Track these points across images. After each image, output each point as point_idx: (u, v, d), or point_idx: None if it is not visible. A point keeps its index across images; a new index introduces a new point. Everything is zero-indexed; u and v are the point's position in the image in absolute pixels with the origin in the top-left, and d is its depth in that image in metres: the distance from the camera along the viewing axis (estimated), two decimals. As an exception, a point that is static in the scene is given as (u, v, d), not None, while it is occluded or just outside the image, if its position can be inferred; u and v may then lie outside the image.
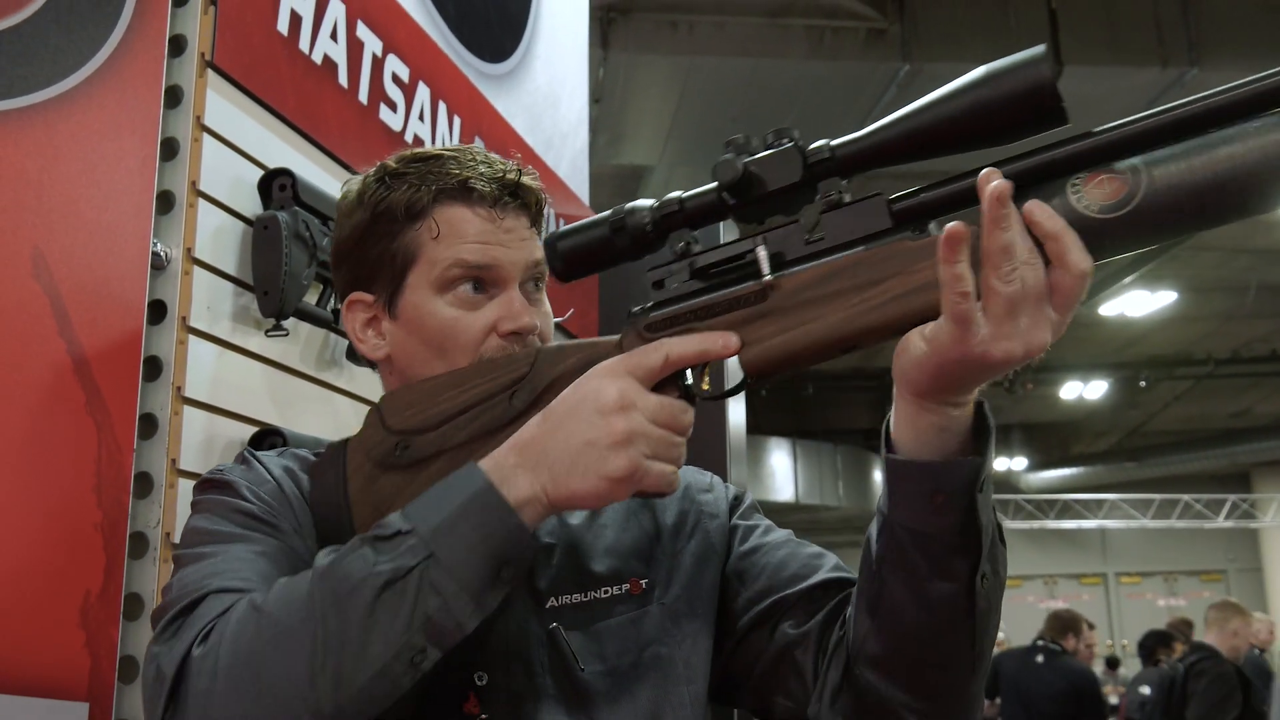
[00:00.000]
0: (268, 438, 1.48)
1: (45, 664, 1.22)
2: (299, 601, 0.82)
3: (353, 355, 1.69)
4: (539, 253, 1.08)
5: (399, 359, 1.07)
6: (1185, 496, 13.88)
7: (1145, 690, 5.30)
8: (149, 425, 1.36)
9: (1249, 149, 0.75)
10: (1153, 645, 6.20)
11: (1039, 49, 0.80)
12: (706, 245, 0.94)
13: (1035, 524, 14.24)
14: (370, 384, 1.77)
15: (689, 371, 0.91)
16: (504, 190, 1.06)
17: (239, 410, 1.48)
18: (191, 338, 1.41)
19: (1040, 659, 6.02)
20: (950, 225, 0.77)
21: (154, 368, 1.38)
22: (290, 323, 1.54)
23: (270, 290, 1.47)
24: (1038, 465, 19.00)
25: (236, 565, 0.91)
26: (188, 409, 1.39)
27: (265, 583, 0.88)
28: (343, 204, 1.11)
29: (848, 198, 0.87)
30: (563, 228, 0.98)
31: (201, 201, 1.44)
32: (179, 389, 1.38)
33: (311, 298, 1.59)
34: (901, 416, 0.87)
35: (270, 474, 1.02)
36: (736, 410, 2.91)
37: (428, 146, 1.09)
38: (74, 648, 1.25)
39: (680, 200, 0.93)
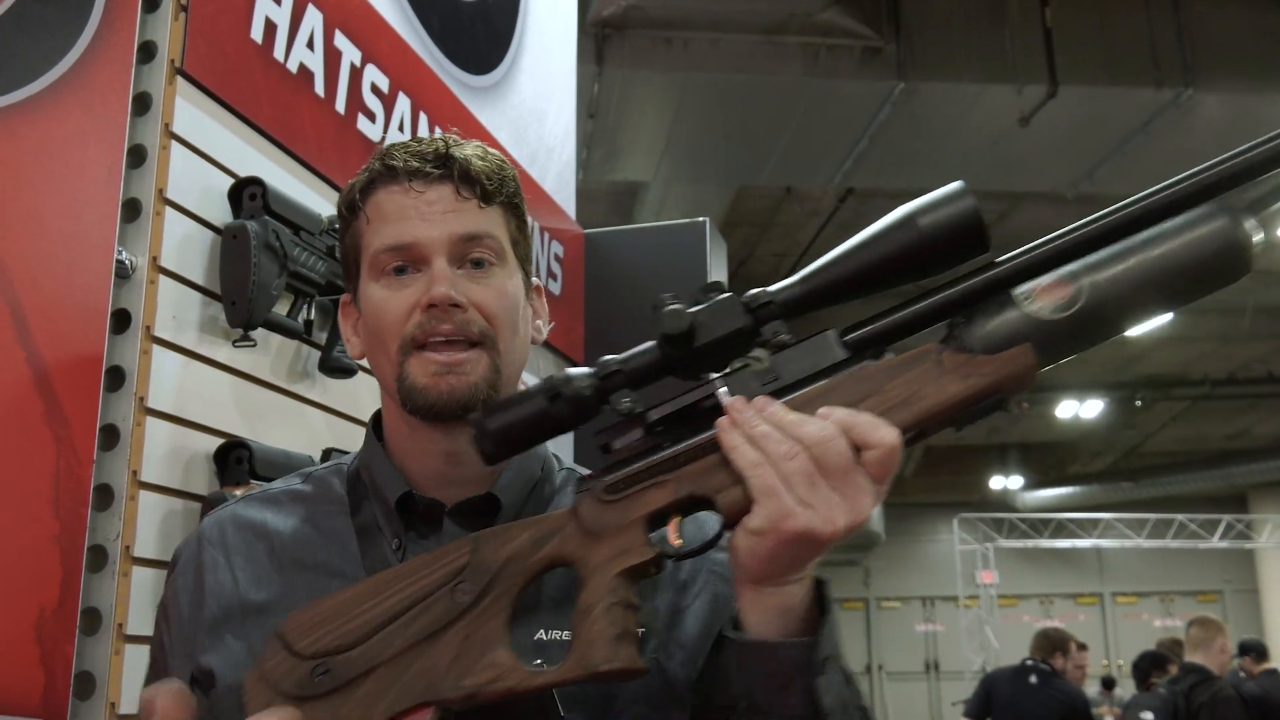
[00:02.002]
0: (234, 450, 1.45)
1: (6, 685, 1.20)
2: None
3: (325, 366, 1.67)
4: (473, 225, 1.00)
5: (367, 356, 1.05)
6: (1180, 516, 13.85)
7: (1148, 716, 5.26)
8: (110, 436, 1.34)
9: (1177, 243, 0.80)
10: (1147, 668, 6.18)
11: (958, 185, 0.83)
12: (652, 402, 0.89)
13: (1030, 543, 14.21)
14: (344, 396, 1.75)
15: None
16: (424, 162, 1.00)
17: (205, 422, 1.46)
18: (156, 347, 1.39)
19: (1034, 679, 5.99)
20: (720, 420, 0.83)
21: (116, 378, 1.36)
22: (260, 334, 1.52)
23: (238, 300, 1.45)
24: (1034, 484, 18.99)
25: None
26: (151, 420, 1.37)
27: None
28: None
29: (792, 338, 0.86)
30: (491, 405, 0.92)
31: (169, 210, 1.42)
32: (142, 399, 1.36)
33: (283, 309, 1.57)
34: (744, 602, 0.85)
35: (190, 553, 1.04)
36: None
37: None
38: (29, 663, 1.23)
39: (622, 362, 0.88)
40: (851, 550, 18.11)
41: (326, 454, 1.64)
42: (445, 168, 1.00)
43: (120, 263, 1.36)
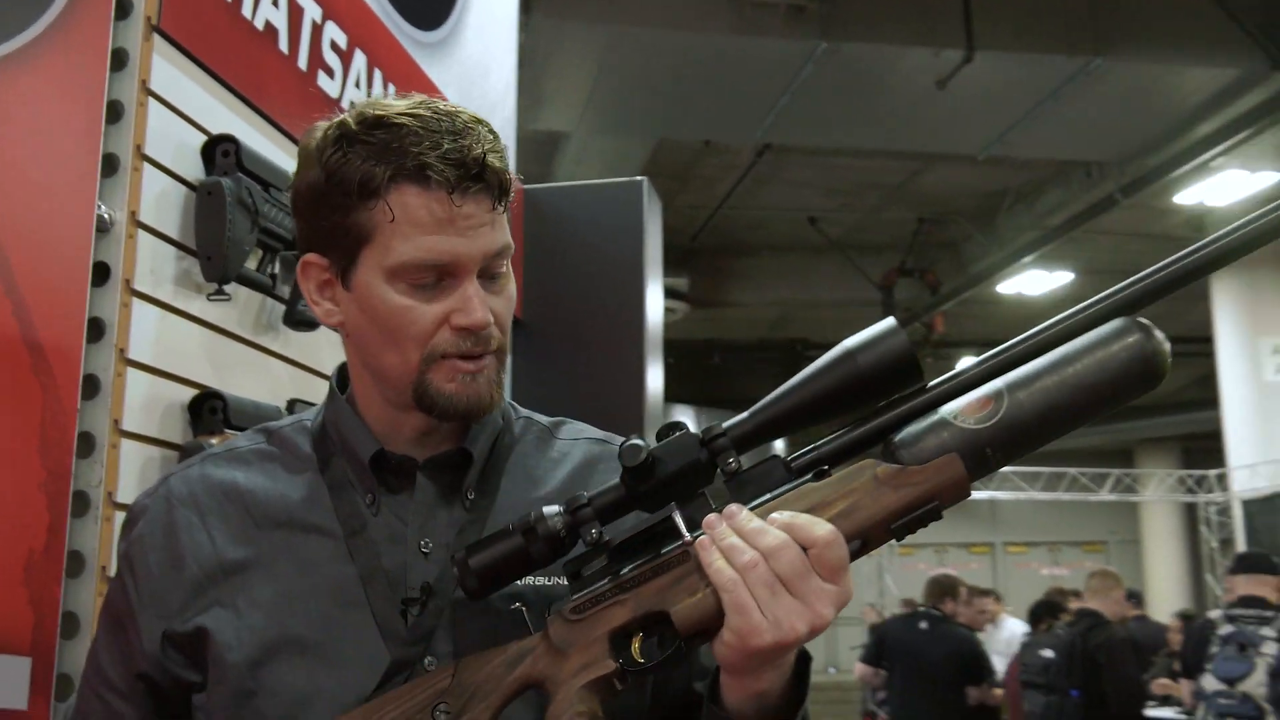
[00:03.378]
0: (208, 400, 1.50)
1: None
2: None
3: (289, 320, 1.72)
4: (500, 240, 1.01)
5: (353, 332, 1.04)
6: (1072, 470, 14.39)
7: (1047, 654, 5.56)
8: (92, 386, 1.38)
9: (1095, 359, 0.89)
10: (1043, 612, 6.54)
11: (890, 321, 0.93)
12: (616, 532, 0.95)
13: (929, 494, 14.64)
14: (306, 348, 1.80)
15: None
16: (465, 174, 0.97)
17: (180, 373, 1.50)
18: (135, 300, 1.43)
19: (924, 625, 6.27)
20: (699, 538, 0.89)
21: (97, 330, 1.39)
22: (230, 287, 1.56)
23: (214, 255, 1.49)
24: (935, 438, 19.50)
25: (85, 705, 1.06)
26: (131, 371, 1.41)
27: None
28: (301, 152, 1.05)
29: (745, 465, 0.94)
30: (473, 545, 0.96)
31: (146, 166, 1.46)
32: (122, 351, 1.40)
33: (252, 263, 1.61)
34: (725, 684, 0.93)
35: (158, 512, 1.06)
36: (654, 377, 2.99)
37: (388, 100, 1.04)
38: (18, 604, 1.28)
39: (588, 499, 0.94)
40: (757, 498, 18.45)
41: (291, 405, 1.69)
42: (483, 180, 0.98)
43: (100, 217, 1.40)
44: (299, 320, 1.72)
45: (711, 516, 0.90)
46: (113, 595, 1.07)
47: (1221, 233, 0.91)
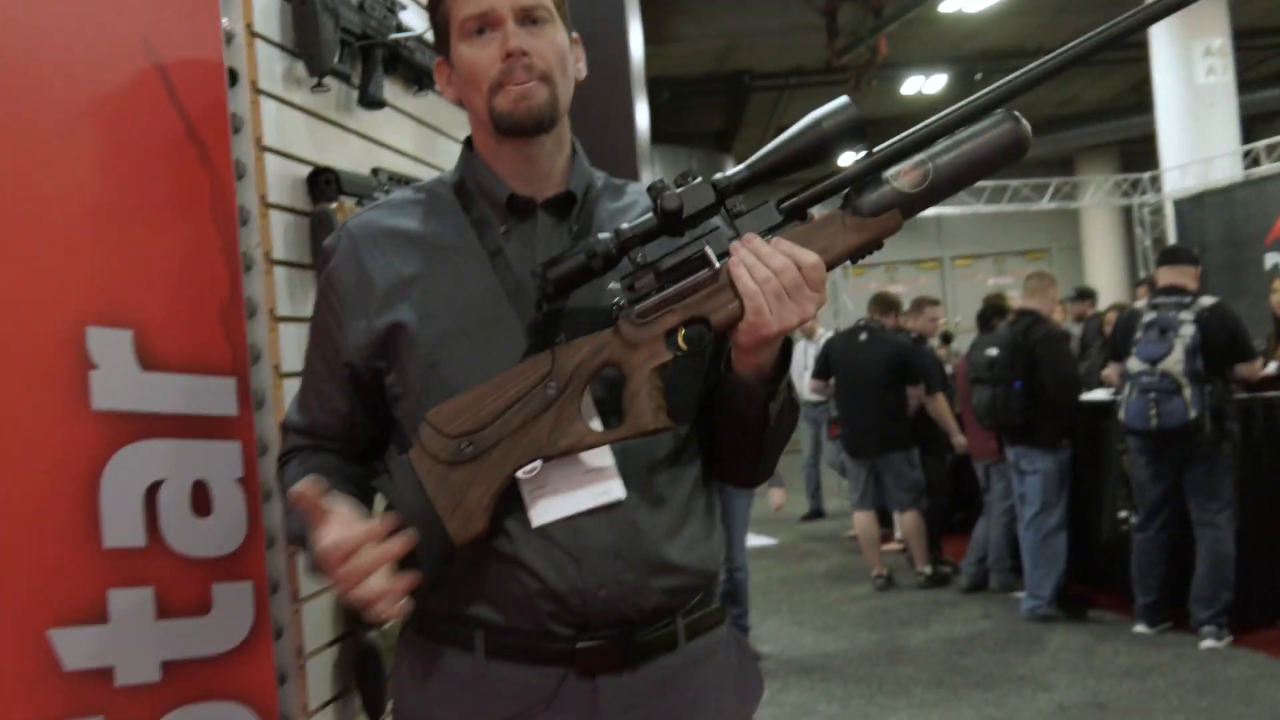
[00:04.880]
0: (323, 174, 1.87)
1: (200, 354, 1.65)
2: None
3: (362, 101, 2.06)
4: None
5: (461, 96, 1.45)
6: (1014, 182, 14.89)
7: (992, 352, 6.06)
8: (240, 170, 1.74)
9: (986, 139, 1.28)
10: (990, 315, 7.02)
11: (846, 99, 1.30)
12: (657, 254, 1.32)
13: (879, 215, 15.11)
14: (373, 124, 2.15)
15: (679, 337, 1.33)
16: None
17: (299, 153, 1.86)
18: (261, 97, 1.77)
19: (863, 337, 6.88)
20: (726, 261, 1.29)
21: (237, 123, 1.74)
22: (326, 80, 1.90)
23: (313, 54, 1.83)
24: (880, 159, 19.80)
25: (305, 397, 1.51)
26: (268, 156, 1.77)
27: (309, 414, 1.50)
28: None
29: (746, 207, 1.32)
30: (549, 261, 1.31)
31: (254, -16, 1.77)
32: (258, 139, 1.76)
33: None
34: (736, 360, 1.36)
35: (347, 247, 1.46)
36: (642, 117, 3.33)
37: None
38: (219, 340, 1.68)
39: (630, 229, 1.30)
40: (711, 232, 18.86)
41: (374, 171, 2.05)
42: None
43: (226, 30, 1.72)
44: (370, 102, 2.06)
45: (736, 243, 1.29)
46: (320, 313, 1.48)
47: (1071, 44, 1.27)
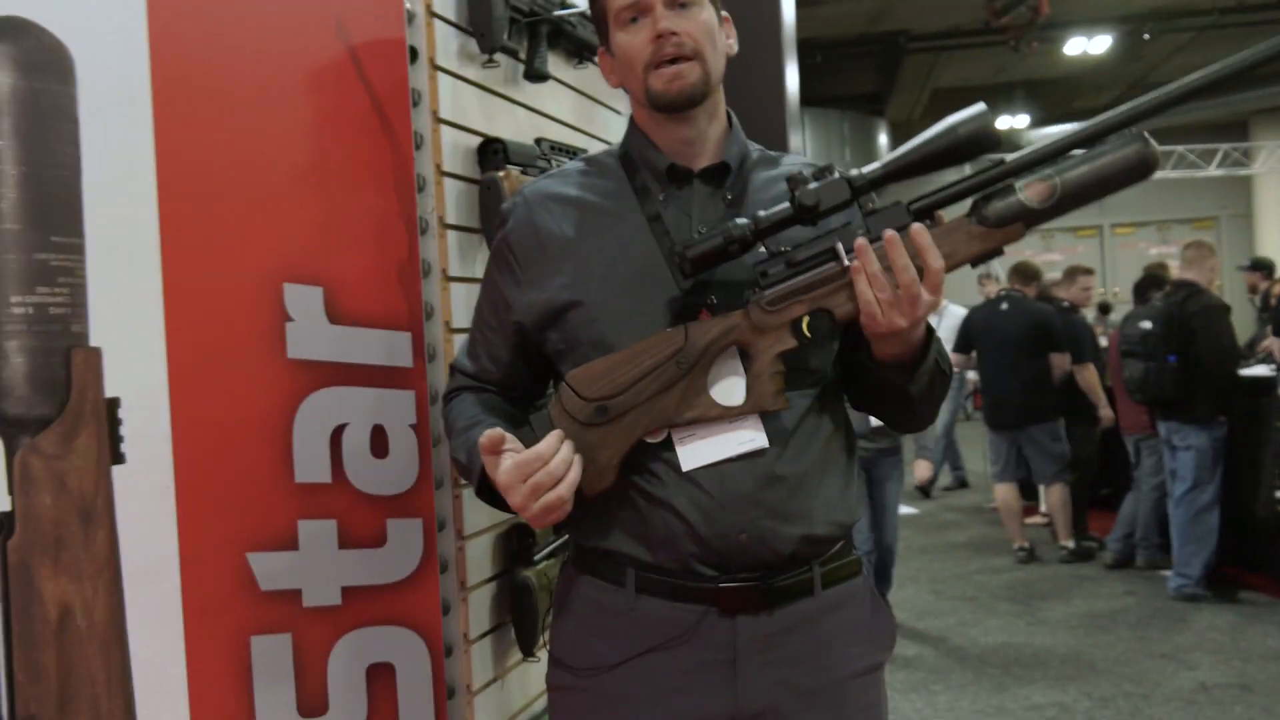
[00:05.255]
0: (491, 144, 2.00)
1: (381, 310, 1.81)
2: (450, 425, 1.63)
3: (528, 75, 2.19)
4: None
5: (623, 80, 1.58)
6: (1180, 147, 14.30)
7: (1146, 325, 5.93)
8: (418, 140, 1.89)
9: (1113, 159, 1.34)
10: (1146, 287, 6.83)
11: (981, 106, 1.36)
12: (791, 247, 1.43)
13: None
14: (537, 96, 2.28)
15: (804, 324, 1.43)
16: None
17: (470, 125, 2.00)
18: (439, 74, 1.91)
19: (1005, 306, 6.77)
20: (851, 264, 1.37)
21: (416, 98, 1.88)
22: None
23: (486, 33, 1.96)
24: (1039, 121, 19.25)
25: (474, 343, 1.67)
26: (443, 127, 1.91)
27: (476, 359, 1.66)
28: None
29: (879, 205, 1.40)
30: (687, 243, 1.42)
31: (433, -31, 1.90)
32: (435, 112, 1.90)
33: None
34: (874, 345, 1.45)
35: (522, 212, 1.60)
36: (792, 79, 3.39)
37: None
38: (397, 297, 1.84)
39: (766, 216, 1.40)
40: (860, 196, 18.66)
41: (537, 141, 2.18)
42: None
43: (409, 11, 1.86)
44: (535, 75, 2.19)
45: (858, 241, 1.37)
46: (495, 269, 1.63)
47: (1204, 72, 1.34)
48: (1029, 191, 1.36)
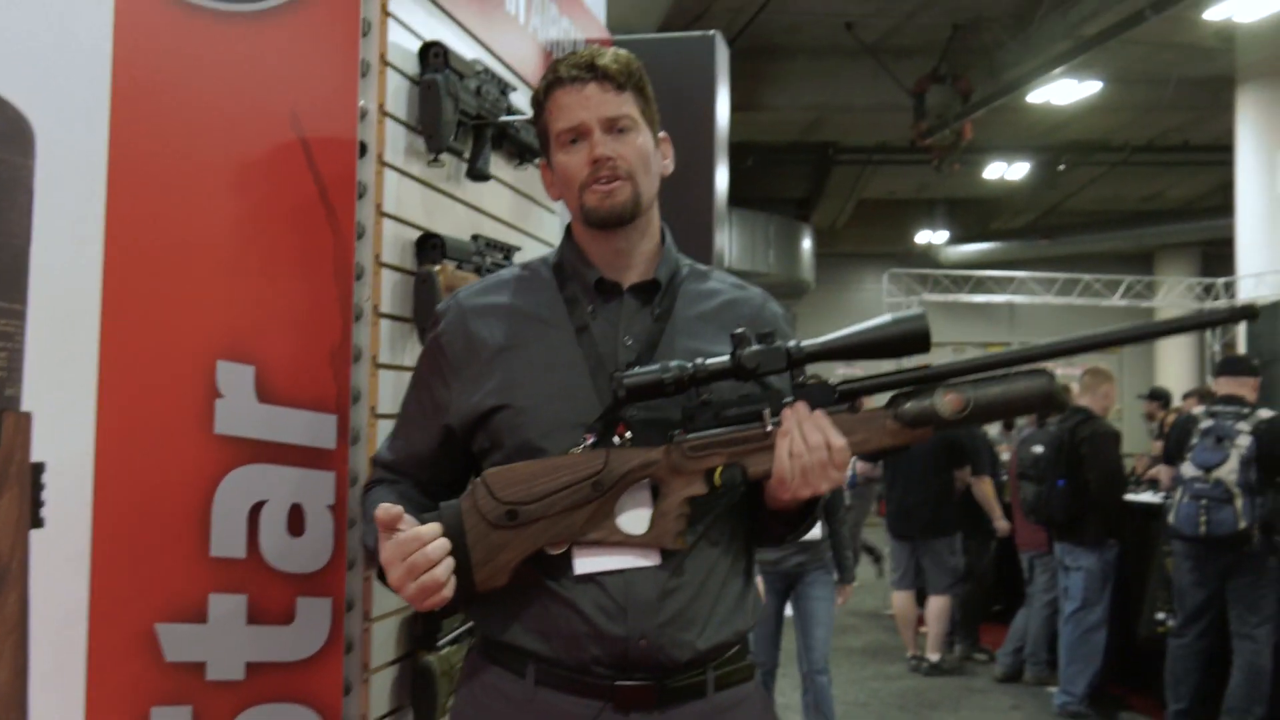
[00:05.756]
0: (430, 239, 2.09)
1: (309, 392, 1.86)
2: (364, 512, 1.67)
3: (470, 174, 2.28)
4: (617, 109, 1.58)
5: (561, 194, 1.67)
6: (1086, 276, 14.88)
7: (1038, 449, 6.14)
8: (360, 231, 1.96)
9: (1022, 388, 1.49)
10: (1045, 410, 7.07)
11: (919, 309, 1.54)
12: (718, 396, 1.52)
13: (952, 298, 15.23)
14: (477, 193, 2.37)
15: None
16: (582, 70, 1.57)
17: (411, 219, 2.08)
18: (385, 169, 1.99)
19: None
20: (780, 428, 1.47)
21: (361, 190, 1.96)
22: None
23: (434, 134, 2.05)
24: (958, 239, 19.91)
25: (398, 436, 1.73)
26: (384, 220, 1.99)
27: (397, 452, 1.72)
28: None
29: (810, 380, 1.52)
30: (630, 373, 1.48)
31: (388, 69, 1.99)
32: (378, 205, 1.98)
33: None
34: (767, 495, 1.55)
35: (456, 316, 1.68)
36: (721, 178, 3.53)
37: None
38: (326, 381, 1.89)
39: (707, 365, 1.48)
40: (781, 297, 19.05)
41: (474, 237, 2.27)
42: (593, 72, 1.58)
43: (362, 109, 1.95)
44: (477, 175, 2.28)
45: (787, 412, 1.47)
46: (425, 368, 1.70)
47: (1116, 328, 1.51)
48: (945, 399, 1.48)
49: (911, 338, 1.49)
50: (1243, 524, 5.08)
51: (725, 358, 1.49)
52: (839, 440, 1.47)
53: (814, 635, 4.96)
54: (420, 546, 1.45)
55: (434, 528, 1.47)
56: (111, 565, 1.64)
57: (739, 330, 1.50)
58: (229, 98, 1.78)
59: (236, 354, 1.77)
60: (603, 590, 1.52)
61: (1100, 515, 5.92)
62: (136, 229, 1.67)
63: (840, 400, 1.52)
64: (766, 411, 1.50)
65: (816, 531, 4.68)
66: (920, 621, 7.54)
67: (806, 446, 1.45)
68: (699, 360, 1.50)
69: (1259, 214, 11.89)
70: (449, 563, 1.47)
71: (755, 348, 1.48)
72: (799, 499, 1.50)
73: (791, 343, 1.51)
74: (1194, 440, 5.34)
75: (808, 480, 1.46)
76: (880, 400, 1.56)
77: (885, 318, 1.51)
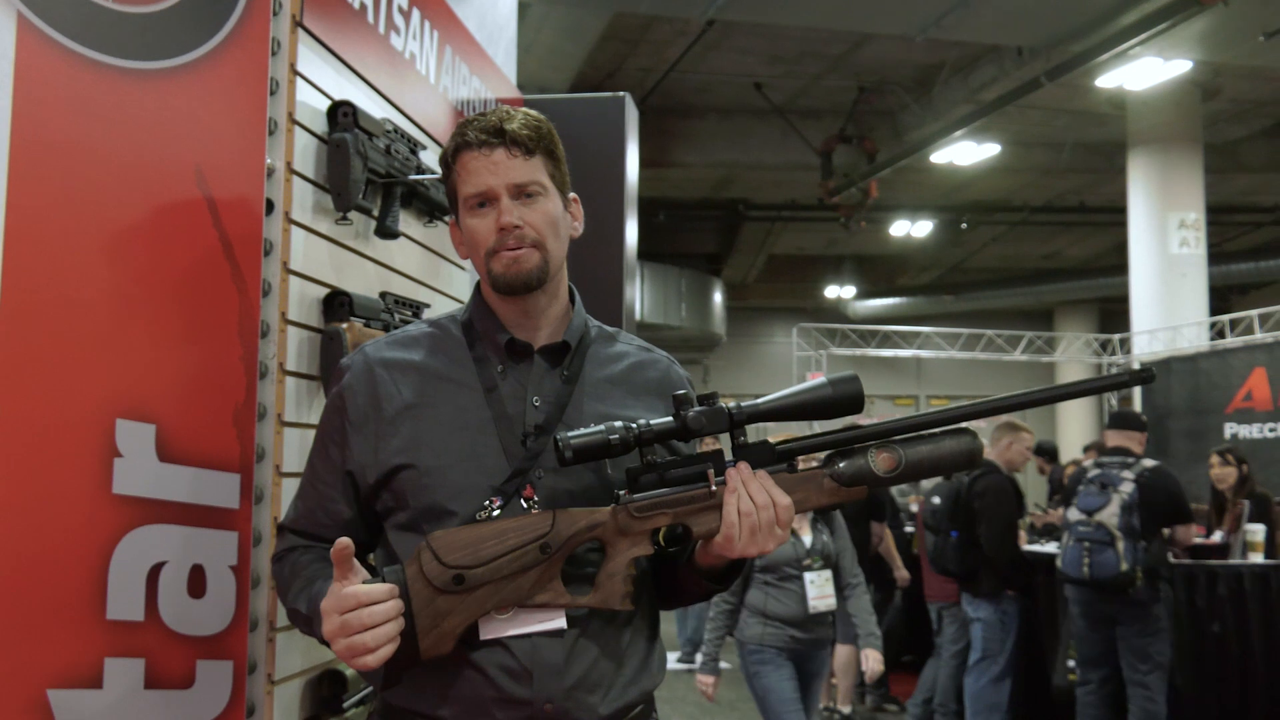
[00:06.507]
0: (337, 296, 2.08)
1: (211, 451, 1.84)
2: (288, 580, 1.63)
3: (379, 232, 2.29)
4: (525, 175, 1.58)
5: (469, 254, 1.66)
6: (989, 332, 15.27)
7: (936, 500, 6.27)
8: (266, 288, 1.95)
9: (950, 444, 1.54)
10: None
11: (853, 373, 1.55)
12: (665, 457, 1.57)
13: (860, 352, 15.48)
14: (386, 251, 2.38)
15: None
16: (490, 135, 1.57)
17: (317, 277, 2.08)
18: (292, 226, 1.99)
19: None
20: (725, 488, 1.50)
21: (268, 247, 1.96)
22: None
23: (342, 193, 2.06)
24: (865, 294, 20.29)
25: (305, 500, 1.66)
26: (291, 277, 1.99)
27: (305, 515, 1.66)
28: None
29: (749, 440, 1.55)
30: (576, 434, 1.48)
31: (296, 127, 2.00)
32: (285, 263, 1.97)
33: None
34: (700, 553, 1.58)
35: (361, 369, 1.64)
36: (631, 232, 3.57)
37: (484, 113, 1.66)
38: (230, 439, 1.87)
39: (651, 426, 1.50)
40: (693, 350, 19.26)
41: (382, 295, 2.27)
42: (501, 138, 1.57)
43: (269, 166, 1.95)
44: (386, 233, 2.29)
45: (732, 472, 1.50)
46: (328, 422, 1.66)
47: (1037, 389, 1.59)
48: (878, 458, 1.53)
49: (846, 400, 1.53)
50: (1124, 566, 5.21)
51: (670, 419, 1.51)
52: (784, 499, 1.50)
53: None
54: (357, 605, 1.42)
55: (386, 588, 1.44)
56: (1, 630, 1.59)
57: (680, 392, 1.52)
58: (132, 153, 1.76)
59: (137, 412, 1.74)
60: (509, 653, 1.51)
61: (993, 568, 6.02)
62: (33, 283, 1.64)
63: (779, 460, 1.55)
64: (710, 471, 1.52)
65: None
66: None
67: (755, 505, 1.48)
68: (643, 421, 1.51)
69: (1151, 273, 12.34)
70: (389, 628, 1.43)
71: (698, 409, 1.51)
72: (744, 557, 1.52)
73: (733, 404, 1.54)
74: (1080, 488, 5.51)
75: (754, 539, 1.49)
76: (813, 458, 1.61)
77: (820, 380, 1.55)
